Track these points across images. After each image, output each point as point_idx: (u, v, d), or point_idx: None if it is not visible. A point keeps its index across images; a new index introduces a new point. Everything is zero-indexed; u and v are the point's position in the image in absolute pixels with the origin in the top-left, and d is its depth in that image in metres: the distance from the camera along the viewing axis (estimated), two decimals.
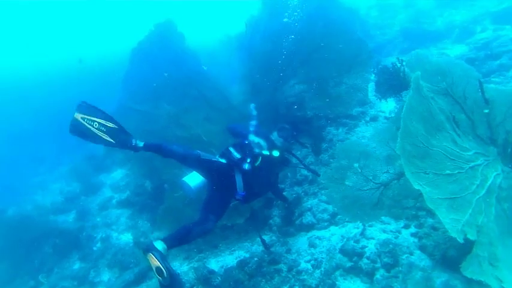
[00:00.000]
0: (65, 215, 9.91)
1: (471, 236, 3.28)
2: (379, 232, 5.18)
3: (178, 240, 3.82)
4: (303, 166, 5.39)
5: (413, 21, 10.62)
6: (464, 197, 3.51)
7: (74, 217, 9.70)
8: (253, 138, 4.48)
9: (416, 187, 3.37)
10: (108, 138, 4.04)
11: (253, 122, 4.93)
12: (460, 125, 4.13)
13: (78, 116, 3.98)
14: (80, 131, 3.99)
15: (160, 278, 3.33)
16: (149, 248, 3.49)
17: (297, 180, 6.66)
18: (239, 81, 7.48)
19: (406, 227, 5.12)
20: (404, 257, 4.65)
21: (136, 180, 9.43)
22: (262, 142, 4.57)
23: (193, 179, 4.55)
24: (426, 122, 3.83)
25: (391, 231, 5.11)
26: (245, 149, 4.54)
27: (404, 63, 5.83)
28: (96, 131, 3.99)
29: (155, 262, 3.36)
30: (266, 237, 6.19)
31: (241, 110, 7.21)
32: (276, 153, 4.52)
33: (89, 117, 3.99)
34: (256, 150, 4.46)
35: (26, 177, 13.93)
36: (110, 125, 4.07)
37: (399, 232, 5.07)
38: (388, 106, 7.47)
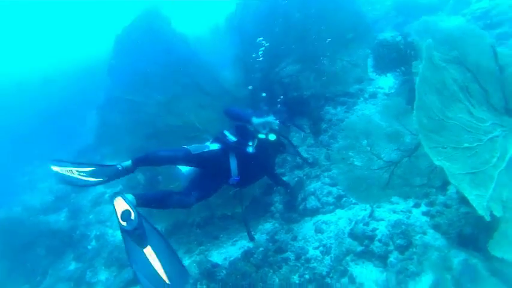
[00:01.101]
0: (56, 215, 9.54)
1: (497, 213, 3.06)
2: (388, 213, 4.96)
3: (152, 200, 3.53)
4: (295, 153, 5.08)
5: None
6: (485, 171, 3.28)
7: (65, 216, 9.34)
8: (256, 121, 4.19)
9: (437, 163, 3.12)
10: (95, 179, 3.70)
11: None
12: (473, 95, 3.88)
13: (56, 168, 3.67)
14: (66, 180, 3.68)
15: (125, 223, 2.95)
16: (117, 195, 3.17)
17: (297, 164, 6.40)
18: (231, 64, 7.14)
19: (417, 205, 4.90)
20: (417, 237, 4.44)
21: None
22: (264, 124, 4.29)
23: None
24: (440, 93, 3.57)
25: (402, 211, 4.89)
26: (244, 131, 4.31)
27: (402, 36, 5.59)
28: (80, 177, 3.68)
29: (123, 205, 3.03)
30: (269, 225, 5.98)
31: (235, 93, 6.89)
32: (272, 137, 4.25)
33: (65, 168, 3.68)
34: (261, 135, 4.18)
35: (12, 177, 13.46)
36: (87, 168, 3.73)
37: (410, 212, 4.85)
38: (387, 82, 7.21)
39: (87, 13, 36.94)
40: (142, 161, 3.90)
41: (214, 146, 4.18)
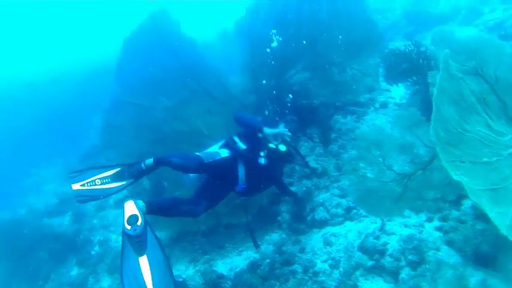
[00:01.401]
0: (60, 218, 9.45)
1: None
2: (400, 227, 4.81)
3: (161, 208, 3.54)
4: (303, 163, 4.95)
5: (416, 4, 10.25)
6: (506, 187, 3.13)
7: (69, 219, 9.25)
8: (268, 131, 4.08)
9: (456, 178, 2.99)
10: (119, 184, 3.81)
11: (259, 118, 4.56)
12: (491, 107, 3.74)
13: (76, 186, 3.75)
14: (88, 197, 3.77)
15: (129, 227, 2.94)
16: (129, 198, 3.20)
17: (305, 174, 6.25)
18: (239, 70, 7.06)
19: (429, 220, 4.74)
20: (430, 253, 4.28)
21: None
22: (275, 135, 4.18)
23: None
24: (458, 104, 3.45)
25: (414, 225, 4.73)
26: (253, 139, 4.21)
27: (415, 45, 5.46)
28: (103, 186, 3.77)
29: (133, 209, 3.05)
30: (275, 236, 5.85)
31: (243, 100, 6.79)
32: (282, 148, 4.13)
33: (87, 181, 3.77)
34: (272, 144, 4.07)
35: (17, 179, 13.40)
36: (111, 171, 3.85)
37: (422, 226, 4.69)
38: (399, 92, 7.09)
39: (96, 15, 37.11)
40: (161, 163, 3.91)
41: (224, 152, 4.10)
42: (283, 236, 5.76)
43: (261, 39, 6.58)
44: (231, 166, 4.05)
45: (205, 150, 4.28)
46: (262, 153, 4.09)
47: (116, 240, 8.00)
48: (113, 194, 3.85)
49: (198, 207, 3.81)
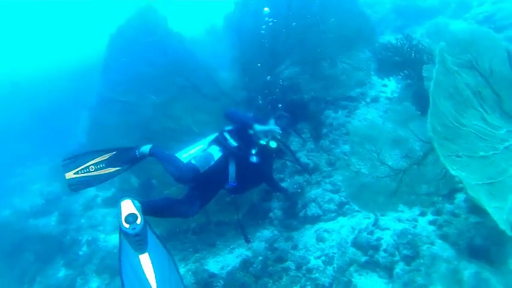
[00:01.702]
0: (46, 218, 9.26)
1: None
2: (393, 222, 4.78)
3: (155, 209, 3.41)
4: (294, 160, 4.86)
5: None
6: (503, 181, 3.10)
7: (56, 220, 9.06)
8: (259, 128, 3.97)
9: (453, 173, 2.94)
10: (114, 169, 3.75)
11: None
12: (486, 100, 3.71)
13: (70, 174, 3.62)
14: (81, 184, 3.66)
15: (127, 225, 2.83)
16: (126, 197, 3.07)
17: (296, 169, 6.19)
18: (229, 66, 6.94)
19: (423, 214, 4.73)
20: (425, 247, 4.25)
21: (121, 175, 8.81)
22: (266, 132, 4.08)
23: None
24: (454, 98, 3.41)
25: (407, 220, 4.71)
26: (244, 136, 4.10)
27: (406, 39, 5.42)
28: (97, 173, 3.68)
29: (130, 208, 2.92)
30: (267, 232, 5.79)
31: (233, 96, 6.69)
32: (273, 144, 4.03)
33: (81, 168, 3.65)
34: (263, 141, 3.98)
35: (2, 179, 13.10)
36: (106, 156, 3.75)
37: (416, 220, 4.68)
38: (390, 86, 7.06)
39: (82, 12, 36.56)
40: (155, 157, 3.85)
41: (216, 152, 3.99)
42: (275, 232, 5.70)
43: (250, 34, 6.48)
44: (223, 165, 3.96)
45: (194, 146, 4.15)
46: (253, 151, 3.98)
47: (105, 240, 7.86)
48: (108, 180, 3.76)
49: (192, 208, 3.73)
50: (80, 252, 7.64)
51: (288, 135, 5.01)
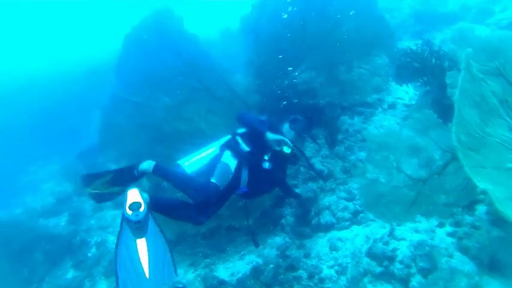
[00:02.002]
0: (56, 218, 9.24)
1: None
2: (410, 232, 4.62)
3: (164, 207, 3.47)
4: (308, 166, 4.68)
5: (424, 3, 10.05)
6: None
7: (66, 220, 9.02)
8: (271, 137, 3.83)
9: (479, 185, 2.79)
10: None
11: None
12: None
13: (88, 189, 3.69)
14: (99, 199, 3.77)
15: (130, 212, 2.86)
16: (133, 186, 3.12)
17: (310, 176, 6.05)
18: (243, 68, 6.84)
19: (441, 225, 4.56)
20: (443, 260, 4.09)
21: None
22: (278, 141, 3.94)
23: (192, 166, 3.97)
24: (479, 107, 3.25)
25: (424, 230, 4.54)
26: (257, 140, 3.94)
27: (427, 44, 5.26)
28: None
29: (136, 196, 2.97)
30: (279, 239, 5.66)
31: (246, 99, 6.58)
32: (287, 150, 3.87)
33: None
34: (276, 148, 3.85)
35: (15, 177, 13.18)
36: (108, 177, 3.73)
37: (433, 232, 4.50)
38: (408, 92, 6.89)
39: (97, 12, 36.96)
40: (161, 177, 3.75)
41: (228, 156, 3.86)
42: (287, 239, 5.58)
43: (267, 36, 6.38)
44: (237, 172, 3.84)
45: (206, 149, 4.08)
46: (266, 157, 3.85)
47: (114, 242, 7.73)
48: (113, 199, 3.77)
49: (203, 215, 3.63)
50: (89, 254, 7.60)
51: (303, 140, 4.87)
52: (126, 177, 3.70)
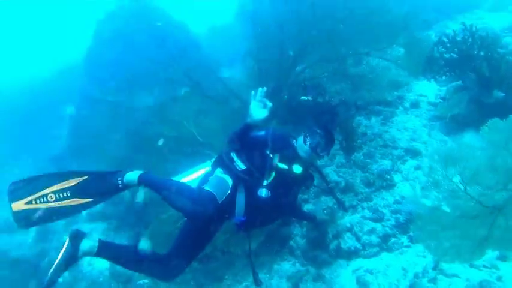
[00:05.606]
0: (21, 235, 8.11)
1: None
2: (463, 266, 3.69)
3: (117, 257, 2.91)
4: (328, 190, 3.96)
5: None
6: None
7: (33, 237, 7.93)
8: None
9: None
10: (83, 200, 2.89)
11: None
12: None
13: (20, 205, 2.74)
14: (34, 220, 2.80)
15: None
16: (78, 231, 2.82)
17: (324, 187, 5.12)
18: (241, 61, 5.99)
19: (503, 258, 3.65)
20: None
21: None
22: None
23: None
24: None
25: (484, 266, 3.63)
26: (257, 157, 3.02)
27: (469, 30, 4.38)
28: (59, 204, 2.82)
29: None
30: (287, 265, 4.82)
31: (244, 97, 5.68)
32: (297, 169, 2.89)
33: (36, 196, 2.79)
34: (283, 164, 2.93)
35: None
36: (73, 182, 2.89)
37: (496, 267, 3.59)
38: (432, 88, 6.04)
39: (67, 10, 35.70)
40: (149, 186, 2.92)
41: (226, 177, 2.90)
42: (298, 266, 4.75)
43: (267, 24, 5.47)
44: (231, 194, 2.94)
45: (198, 169, 3.20)
46: (265, 182, 2.86)
47: (89, 263, 6.78)
48: (73, 215, 2.94)
49: (176, 268, 2.91)
50: (60, 280, 6.52)
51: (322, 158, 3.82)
52: (101, 187, 2.95)
